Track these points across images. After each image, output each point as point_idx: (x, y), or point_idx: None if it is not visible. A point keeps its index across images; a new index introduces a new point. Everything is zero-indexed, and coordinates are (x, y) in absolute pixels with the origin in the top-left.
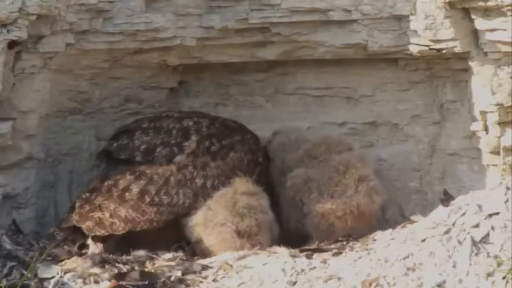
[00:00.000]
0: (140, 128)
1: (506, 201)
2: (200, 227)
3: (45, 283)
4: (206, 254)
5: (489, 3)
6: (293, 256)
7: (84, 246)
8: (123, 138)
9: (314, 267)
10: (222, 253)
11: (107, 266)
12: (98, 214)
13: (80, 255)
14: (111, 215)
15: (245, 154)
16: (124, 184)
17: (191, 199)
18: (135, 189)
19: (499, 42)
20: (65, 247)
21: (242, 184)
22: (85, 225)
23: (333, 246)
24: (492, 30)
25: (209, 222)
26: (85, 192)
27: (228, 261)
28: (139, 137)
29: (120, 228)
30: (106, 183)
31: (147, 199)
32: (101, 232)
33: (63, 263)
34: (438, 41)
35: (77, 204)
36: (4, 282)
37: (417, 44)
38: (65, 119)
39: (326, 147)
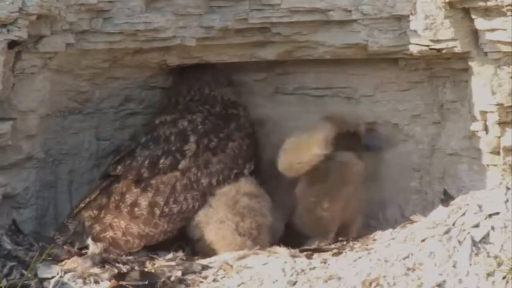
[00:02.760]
0: (139, 144)
1: (506, 201)
2: (201, 225)
3: (45, 283)
4: (207, 251)
5: (489, 3)
6: (293, 256)
7: (84, 246)
8: (126, 159)
9: (314, 267)
10: (223, 250)
11: (107, 266)
12: (110, 234)
13: (80, 255)
14: (123, 234)
15: (243, 140)
16: (131, 199)
17: (200, 200)
18: (143, 202)
19: (499, 42)
20: (65, 247)
21: (245, 185)
22: None
23: (333, 246)
24: (492, 30)
25: (209, 219)
26: (92, 209)
27: (228, 261)
28: (140, 153)
29: (135, 245)
30: (112, 199)
31: (157, 211)
32: (116, 252)
33: (63, 263)
34: (438, 41)
35: (86, 224)
36: (4, 282)
37: (417, 44)
38: (65, 119)
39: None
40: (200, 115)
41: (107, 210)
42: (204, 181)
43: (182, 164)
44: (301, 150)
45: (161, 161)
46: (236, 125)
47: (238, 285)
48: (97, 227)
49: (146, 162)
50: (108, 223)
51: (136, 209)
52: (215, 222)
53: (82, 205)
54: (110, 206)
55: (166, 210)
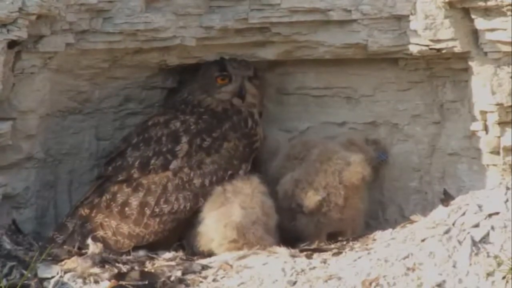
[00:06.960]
0: (130, 145)
1: (506, 201)
2: (241, 229)
3: (45, 283)
4: None
5: (489, 3)
6: (293, 256)
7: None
8: (117, 160)
9: (314, 267)
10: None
11: (107, 266)
12: (101, 233)
13: (80, 255)
14: (114, 233)
15: (239, 140)
16: (122, 198)
17: (192, 201)
18: (134, 202)
19: (499, 42)
20: (65, 247)
21: (258, 184)
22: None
23: (333, 246)
24: (492, 30)
25: (248, 221)
26: (84, 208)
27: (228, 261)
28: (131, 154)
29: (125, 245)
30: (104, 198)
31: (148, 211)
32: (106, 251)
33: (63, 263)
34: (438, 41)
35: (78, 223)
36: (4, 282)
37: (417, 44)
38: (65, 119)
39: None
40: (194, 115)
41: (98, 209)
42: (197, 181)
43: (174, 164)
44: None
45: (152, 161)
46: (230, 125)
47: (238, 285)
48: (88, 226)
49: (137, 163)
50: (99, 223)
51: (126, 208)
52: (252, 225)
53: (77, 204)
54: (101, 206)
55: (157, 210)
